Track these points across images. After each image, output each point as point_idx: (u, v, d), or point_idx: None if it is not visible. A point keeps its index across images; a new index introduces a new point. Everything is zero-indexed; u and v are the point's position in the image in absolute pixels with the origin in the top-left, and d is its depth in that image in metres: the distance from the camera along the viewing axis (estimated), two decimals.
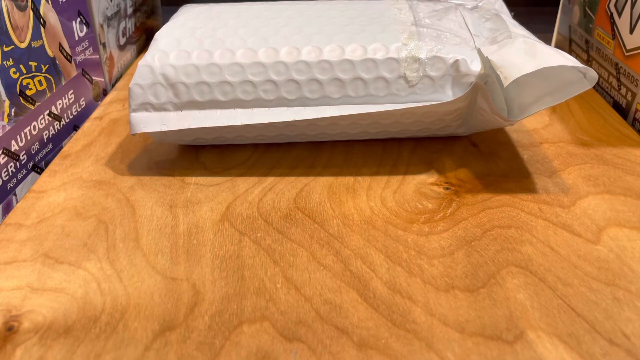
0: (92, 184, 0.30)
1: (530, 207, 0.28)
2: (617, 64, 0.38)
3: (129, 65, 0.49)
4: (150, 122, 0.30)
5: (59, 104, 0.35)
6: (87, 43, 0.39)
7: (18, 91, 0.30)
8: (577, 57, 0.46)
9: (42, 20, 0.33)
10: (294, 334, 0.21)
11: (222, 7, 0.35)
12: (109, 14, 0.43)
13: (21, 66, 0.31)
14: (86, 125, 0.37)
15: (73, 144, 0.35)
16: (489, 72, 0.29)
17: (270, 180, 0.31)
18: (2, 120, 0.29)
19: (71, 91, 0.37)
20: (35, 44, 0.32)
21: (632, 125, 0.37)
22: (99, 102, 0.41)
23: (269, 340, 0.21)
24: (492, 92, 0.30)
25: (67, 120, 0.36)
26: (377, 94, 0.30)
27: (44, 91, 0.33)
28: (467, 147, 0.33)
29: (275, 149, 0.34)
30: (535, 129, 0.35)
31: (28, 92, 0.31)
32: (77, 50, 0.38)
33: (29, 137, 0.31)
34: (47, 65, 0.34)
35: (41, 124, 0.33)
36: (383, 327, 0.21)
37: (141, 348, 0.21)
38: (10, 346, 0.21)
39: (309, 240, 0.26)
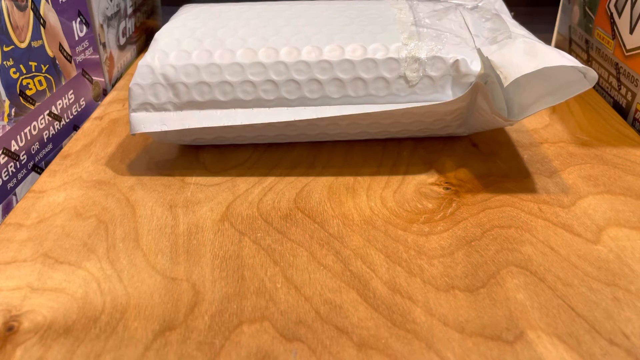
0: (92, 184, 0.30)
1: (530, 207, 0.28)
2: (617, 64, 0.38)
3: (129, 65, 0.49)
4: (150, 122, 0.30)
5: (59, 104, 0.35)
6: (87, 43, 0.39)
7: (18, 91, 0.30)
8: (577, 57, 0.46)
9: (42, 20, 0.33)
10: (294, 334, 0.21)
11: (222, 7, 0.35)
12: (109, 14, 0.43)
13: (21, 66, 0.31)
14: (86, 125, 0.37)
15: (73, 144, 0.35)
16: (489, 72, 0.29)
17: (270, 180, 0.31)
18: (2, 120, 0.29)
19: (71, 91, 0.37)
20: (35, 44, 0.32)
21: (632, 125, 0.37)
22: (99, 102, 0.41)
23: (269, 340, 0.21)
24: (492, 92, 0.30)
25: (67, 120, 0.36)
26: (377, 94, 0.30)
27: (44, 91, 0.33)
28: (467, 147, 0.33)
29: (275, 149, 0.34)
30: (535, 129, 0.35)
31: (28, 92, 0.31)
32: (77, 50, 0.38)
33: (29, 137, 0.31)
34: (47, 65, 0.34)
35: (41, 124, 0.33)
36: (383, 327, 0.21)
37: (141, 348, 0.21)
38: (10, 346, 0.21)
39: (309, 240, 0.26)
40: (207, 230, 0.27)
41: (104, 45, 0.42)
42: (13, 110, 0.30)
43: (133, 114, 0.30)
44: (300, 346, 0.21)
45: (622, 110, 0.38)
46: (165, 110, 0.30)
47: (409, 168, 0.31)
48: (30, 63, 0.32)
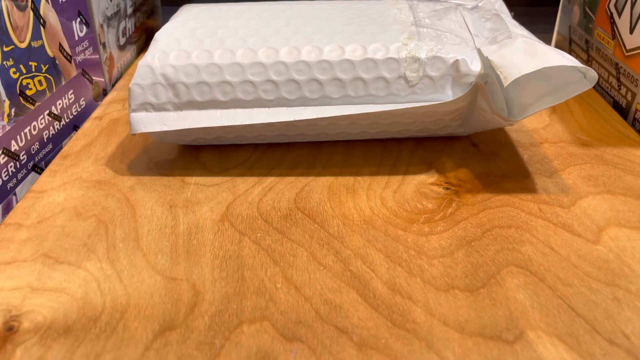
0: (92, 184, 0.30)
1: (530, 207, 0.28)
2: (617, 64, 0.38)
3: (129, 65, 0.49)
4: (150, 122, 0.30)
5: (59, 104, 0.35)
6: (87, 43, 0.39)
7: (18, 91, 0.30)
8: (577, 57, 0.46)
9: (42, 20, 0.33)
10: (294, 334, 0.21)
11: (222, 7, 0.35)
12: (109, 14, 0.43)
13: (21, 66, 0.31)
14: (86, 125, 0.37)
15: (73, 144, 0.35)
16: (489, 72, 0.29)
17: (270, 180, 0.31)
18: (2, 120, 0.29)
19: (71, 91, 0.37)
20: (35, 44, 0.32)
21: (632, 125, 0.37)
22: (99, 102, 0.41)
23: (269, 340, 0.21)
24: (492, 92, 0.30)
25: (67, 120, 0.36)
26: (377, 94, 0.30)
27: (44, 91, 0.33)
28: (467, 147, 0.33)
29: (275, 149, 0.34)
30: (535, 129, 0.35)
31: (28, 92, 0.31)
32: (77, 50, 0.38)
33: (29, 137, 0.31)
34: (47, 65, 0.34)
35: (41, 124, 0.33)
36: (383, 327, 0.21)
37: (141, 348, 0.21)
38: (10, 346, 0.21)
39: (309, 240, 0.26)
40: (207, 230, 0.27)
41: (104, 45, 0.42)
42: (13, 110, 0.30)
43: (133, 114, 0.30)
44: (300, 346, 0.21)
45: (622, 110, 0.38)
46: (165, 110, 0.30)
47: (409, 168, 0.31)
48: (30, 63, 0.32)
